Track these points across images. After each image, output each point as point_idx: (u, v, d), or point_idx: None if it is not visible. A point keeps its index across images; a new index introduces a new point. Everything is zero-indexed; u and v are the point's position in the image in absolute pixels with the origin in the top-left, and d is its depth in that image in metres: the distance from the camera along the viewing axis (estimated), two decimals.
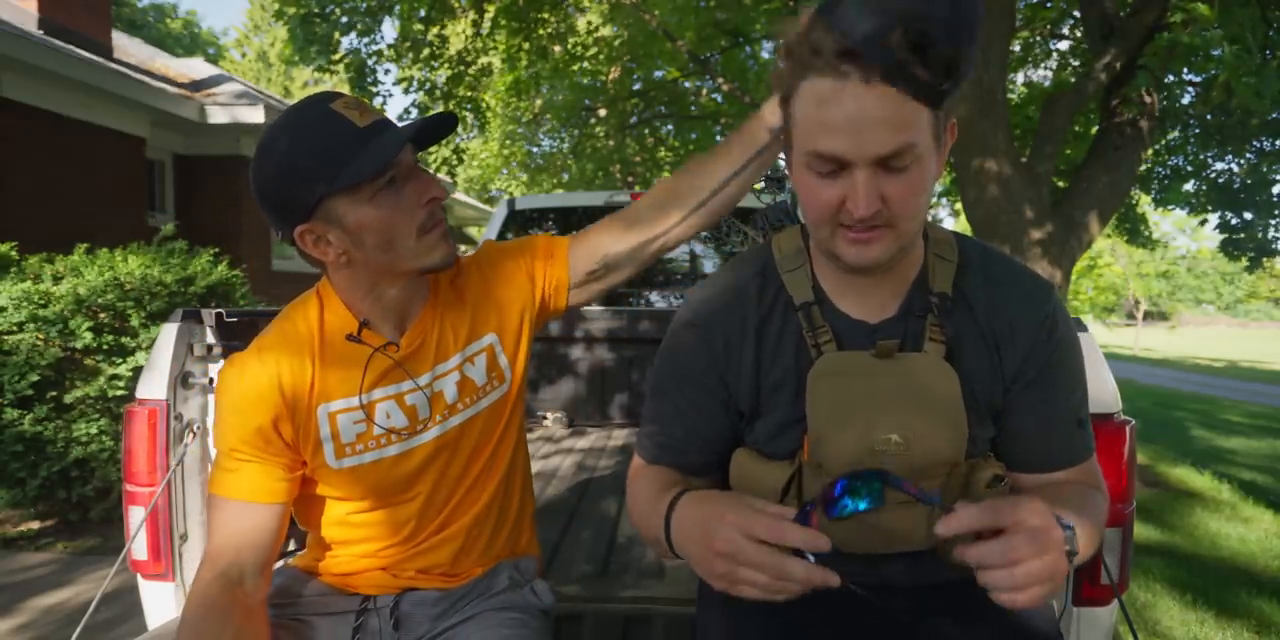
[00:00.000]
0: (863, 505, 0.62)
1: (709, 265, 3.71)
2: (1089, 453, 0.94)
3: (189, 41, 24.53)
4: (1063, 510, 0.73)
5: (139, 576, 1.45)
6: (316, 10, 6.47)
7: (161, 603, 1.44)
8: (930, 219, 0.95)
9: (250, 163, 0.92)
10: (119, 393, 3.34)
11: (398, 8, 7.04)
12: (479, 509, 1.10)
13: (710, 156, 1.09)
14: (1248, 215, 7.23)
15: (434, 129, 0.96)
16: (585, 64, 9.73)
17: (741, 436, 0.99)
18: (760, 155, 1.07)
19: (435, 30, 7.31)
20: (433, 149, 7.59)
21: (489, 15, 7.55)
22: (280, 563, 1.15)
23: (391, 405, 1.02)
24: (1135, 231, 8.34)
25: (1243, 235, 7.35)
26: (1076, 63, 7.50)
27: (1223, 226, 7.40)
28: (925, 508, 0.86)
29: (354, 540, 1.07)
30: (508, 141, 14.20)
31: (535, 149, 14.77)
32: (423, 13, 7.10)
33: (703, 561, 0.73)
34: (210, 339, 1.49)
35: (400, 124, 0.94)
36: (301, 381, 0.98)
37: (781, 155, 0.94)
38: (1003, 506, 0.67)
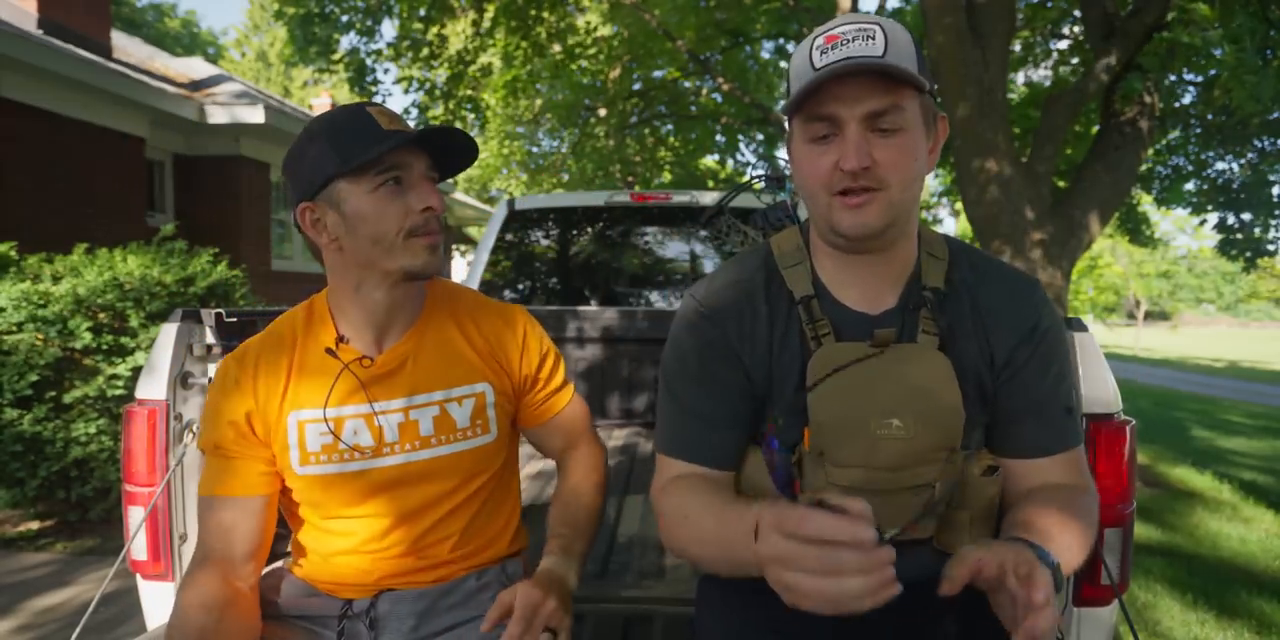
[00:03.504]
0: None
1: (709, 265, 3.71)
2: (1077, 440, 0.97)
3: (188, 41, 24.52)
4: (1050, 537, 0.79)
5: (138, 577, 1.45)
6: (316, 10, 6.47)
7: (161, 603, 1.43)
8: (930, 219, 0.97)
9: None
10: (118, 393, 3.34)
11: (397, 7, 7.04)
12: (452, 535, 1.09)
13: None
14: (1247, 215, 7.23)
15: (455, 152, 1.03)
16: (585, 63, 9.73)
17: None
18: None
19: (435, 30, 7.31)
20: None
21: (489, 14, 7.55)
22: (272, 566, 1.16)
23: (360, 424, 1.04)
24: (1137, 231, 8.35)
25: (1239, 235, 7.35)
26: (1076, 62, 7.49)
27: (1220, 227, 7.40)
28: (915, 495, 0.91)
29: (325, 545, 1.07)
30: (507, 141, 14.19)
31: (535, 149, 14.77)
32: (422, 12, 7.10)
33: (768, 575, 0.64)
34: (210, 339, 1.49)
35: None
36: (274, 385, 1.04)
37: (781, 156, 0.97)
38: (987, 557, 0.73)
